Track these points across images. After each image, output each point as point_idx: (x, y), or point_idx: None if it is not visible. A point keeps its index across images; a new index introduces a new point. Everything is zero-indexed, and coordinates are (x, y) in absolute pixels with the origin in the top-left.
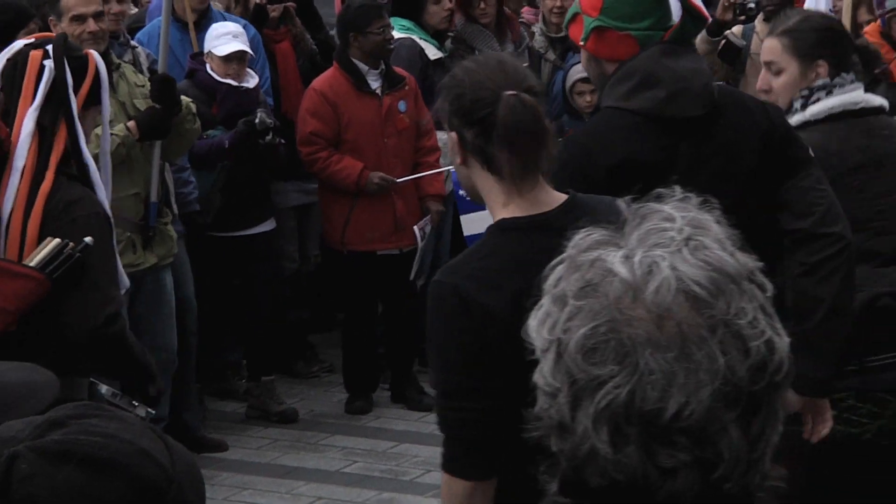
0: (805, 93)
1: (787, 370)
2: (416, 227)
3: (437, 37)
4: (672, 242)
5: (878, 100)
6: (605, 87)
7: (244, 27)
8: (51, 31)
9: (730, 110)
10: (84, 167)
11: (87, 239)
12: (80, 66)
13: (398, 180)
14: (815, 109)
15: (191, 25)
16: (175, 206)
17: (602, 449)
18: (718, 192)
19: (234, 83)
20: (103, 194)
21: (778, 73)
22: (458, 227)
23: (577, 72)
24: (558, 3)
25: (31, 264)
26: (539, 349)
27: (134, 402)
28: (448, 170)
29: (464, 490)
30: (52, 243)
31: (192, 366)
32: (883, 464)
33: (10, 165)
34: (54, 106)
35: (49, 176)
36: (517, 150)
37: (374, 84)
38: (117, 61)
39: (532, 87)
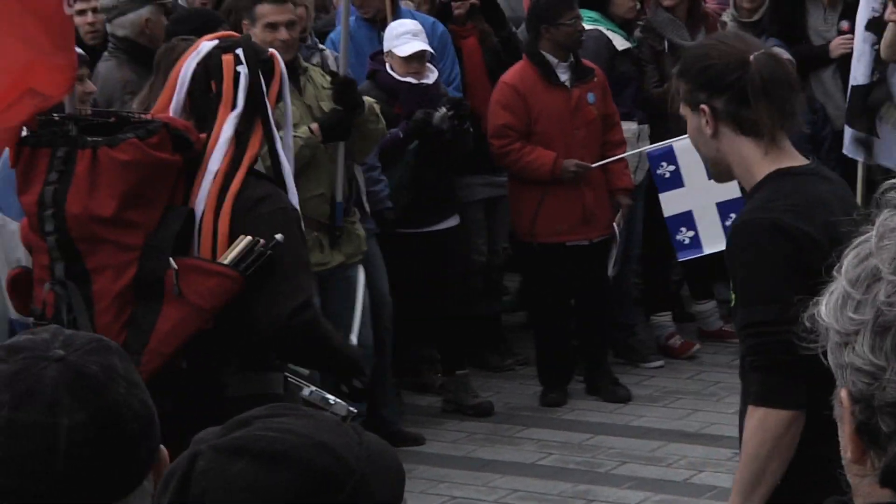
0: None
1: None
2: (614, 223)
3: (625, 27)
4: None
5: None
6: None
7: (433, 24)
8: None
9: None
10: (279, 166)
11: (278, 236)
12: (268, 68)
13: (592, 166)
14: None
15: (389, 17)
16: (367, 205)
17: None
18: None
19: (414, 81)
20: (293, 191)
21: None
22: (648, 215)
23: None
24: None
25: (226, 262)
26: (840, 334)
27: (331, 401)
28: (641, 152)
29: (781, 421)
30: (245, 241)
31: (388, 361)
32: None
33: (205, 168)
34: (250, 111)
35: (239, 176)
36: (777, 102)
37: (564, 76)
38: (304, 65)
39: (770, 50)
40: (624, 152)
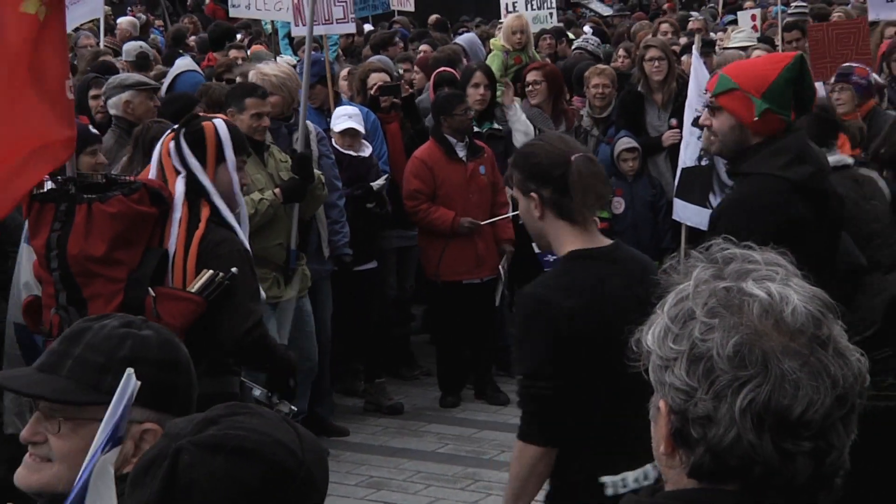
0: None
1: (867, 382)
2: (500, 266)
3: (482, 116)
4: (776, 278)
5: (847, 159)
6: (740, 154)
7: (367, 112)
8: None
9: (834, 187)
10: (223, 218)
11: (234, 269)
12: (199, 138)
13: (482, 223)
14: None
15: (332, 106)
16: (327, 250)
17: (747, 437)
18: (831, 248)
19: (352, 153)
20: (242, 235)
21: None
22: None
23: (623, 144)
24: (601, 91)
25: (193, 290)
26: (663, 358)
27: (276, 400)
28: (511, 215)
29: (535, 453)
30: (207, 274)
31: (326, 371)
32: None
33: (170, 218)
34: (192, 175)
35: (201, 225)
36: (592, 195)
37: (461, 153)
38: (268, 144)
39: (587, 152)
40: (508, 212)
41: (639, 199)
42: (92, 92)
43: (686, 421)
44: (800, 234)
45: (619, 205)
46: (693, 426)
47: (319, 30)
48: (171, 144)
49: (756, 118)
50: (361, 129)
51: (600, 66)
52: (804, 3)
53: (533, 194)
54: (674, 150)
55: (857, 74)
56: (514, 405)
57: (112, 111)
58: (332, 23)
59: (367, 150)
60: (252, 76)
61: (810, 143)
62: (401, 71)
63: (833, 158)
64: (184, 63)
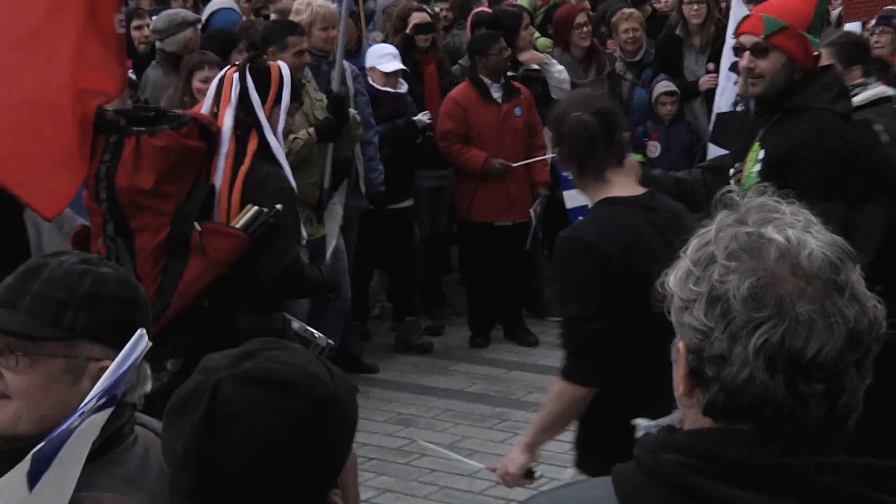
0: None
1: (884, 329)
2: (531, 209)
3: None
4: (797, 225)
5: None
6: (785, 91)
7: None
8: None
9: None
10: (271, 153)
11: (278, 206)
12: (264, 75)
13: (514, 165)
14: (860, 98)
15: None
16: (363, 187)
17: (759, 376)
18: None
19: (392, 90)
20: (289, 172)
21: None
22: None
23: (661, 87)
24: (630, 35)
25: (237, 226)
26: (683, 300)
27: (315, 334)
28: (552, 157)
29: (577, 393)
30: (252, 210)
31: (349, 308)
32: None
33: (218, 152)
34: (245, 108)
35: (247, 161)
36: (601, 144)
37: (496, 94)
38: (304, 82)
39: (601, 109)
40: (544, 153)
41: (675, 144)
42: (135, 23)
43: (702, 360)
44: (854, 166)
45: (654, 148)
46: (708, 365)
47: None
48: (235, 76)
49: (816, 52)
50: (405, 68)
51: (626, 10)
52: None
53: (558, 152)
54: (710, 94)
55: None
56: (543, 346)
57: (170, 48)
58: None
59: (404, 87)
60: (298, 8)
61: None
62: (437, 10)
63: (874, 91)
64: (220, 1)
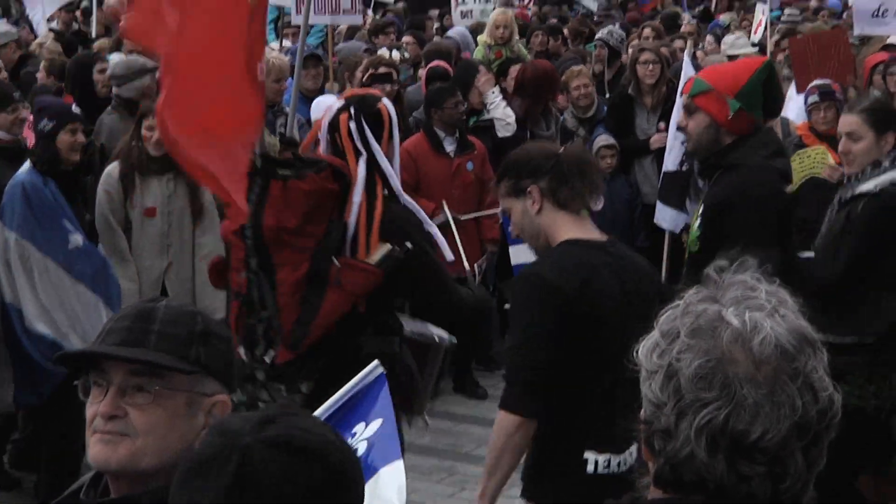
0: (875, 160)
1: (839, 417)
2: (475, 264)
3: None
4: (765, 308)
5: None
6: (714, 151)
7: None
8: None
9: None
10: (398, 196)
11: (408, 244)
12: (376, 117)
13: (462, 217)
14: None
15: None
16: None
17: (699, 454)
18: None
19: None
20: (415, 206)
21: (857, 140)
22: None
23: (601, 141)
24: (582, 92)
25: (372, 262)
26: (647, 370)
27: (435, 336)
28: (497, 212)
29: (514, 423)
30: (385, 247)
31: None
32: (882, 431)
33: (352, 198)
34: (369, 155)
35: (379, 204)
36: (587, 180)
37: (449, 147)
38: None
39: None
40: (496, 209)
41: (617, 197)
42: (98, 66)
43: (652, 432)
44: (787, 220)
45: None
46: (656, 438)
47: (325, 19)
48: (352, 125)
49: (730, 116)
50: None
51: (576, 67)
52: (796, 11)
53: (530, 189)
54: (661, 153)
55: (836, 91)
56: (493, 400)
57: (126, 94)
58: (338, 13)
59: None
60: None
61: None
62: (406, 55)
63: None
64: None
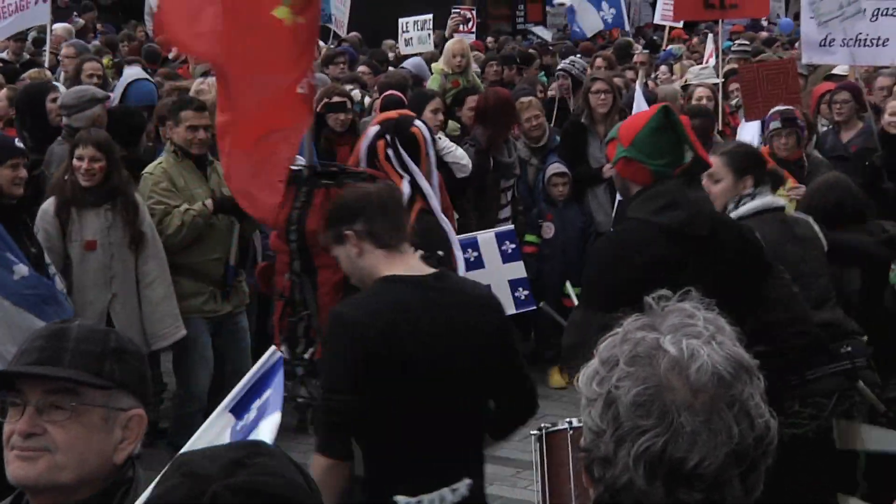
0: (735, 199)
1: (775, 443)
2: None
3: None
4: (702, 335)
5: (780, 200)
6: (629, 200)
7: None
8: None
9: (722, 231)
10: (433, 210)
11: (440, 252)
12: (412, 142)
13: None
14: (745, 209)
15: None
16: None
17: (638, 482)
18: (716, 294)
19: (292, 167)
20: (447, 223)
21: (717, 181)
22: None
23: (552, 169)
24: (533, 123)
25: None
26: (587, 398)
27: None
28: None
29: (326, 466)
30: (418, 253)
31: None
32: (820, 456)
33: None
34: (410, 176)
35: (413, 215)
36: (393, 217)
37: None
38: (210, 159)
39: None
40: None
41: (569, 225)
42: (51, 95)
43: (591, 460)
44: (668, 275)
45: (549, 229)
46: (595, 465)
47: None
48: (390, 151)
49: (612, 165)
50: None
51: (525, 98)
52: (746, 42)
53: (347, 233)
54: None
55: (798, 118)
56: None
57: (77, 123)
58: None
59: (301, 161)
60: (201, 88)
61: (687, 190)
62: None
63: (762, 201)
64: (133, 72)
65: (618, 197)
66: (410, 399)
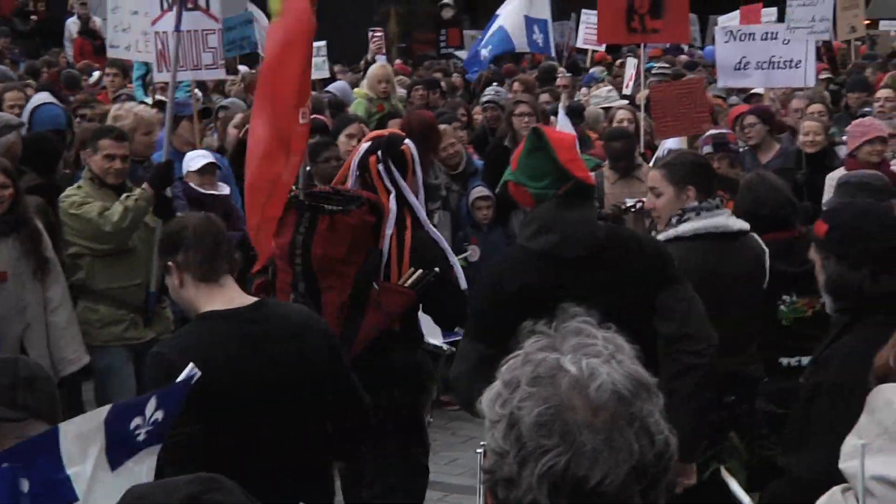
0: (679, 213)
1: (675, 459)
2: None
3: None
4: (602, 354)
5: (738, 223)
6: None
7: (220, 157)
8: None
9: (614, 248)
10: (423, 225)
11: (437, 269)
12: (401, 158)
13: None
14: (684, 228)
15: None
16: None
17: (542, 501)
18: (611, 310)
19: (214, 192)
20: (440, 237)
21: (658, 195)
22: None
23: (476, 192)
24: (450, 151)
25: (406, 285)
26: (490, 420)
27: (443, 347)
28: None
29: None
30: (417, 273)
31: None
32: (698, 494)
33: (384, 230)
34: (397, 192)
35: (408, 234)
36: (207, 248)
37: None
38: (129, 185)
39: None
40: None
41: (494, 248)
42: None
43: (495, 482)
44: (545, 300)
45: (474, 252)
46: (499, 487)
47: (187, 75)
48: (380, 167)
49: (498, 188)
50: (215, 162)
51: (441, 126)
52: (667, 65)
53: (169, 264)
54: None
55: (731, 141)
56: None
57: None
58: (200, 68)
59: (225, 189)
60: (118, 114)
61: (563, 212)
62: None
63: (704, 223)
64: (41, 97)
65: None
66: (236, 430)
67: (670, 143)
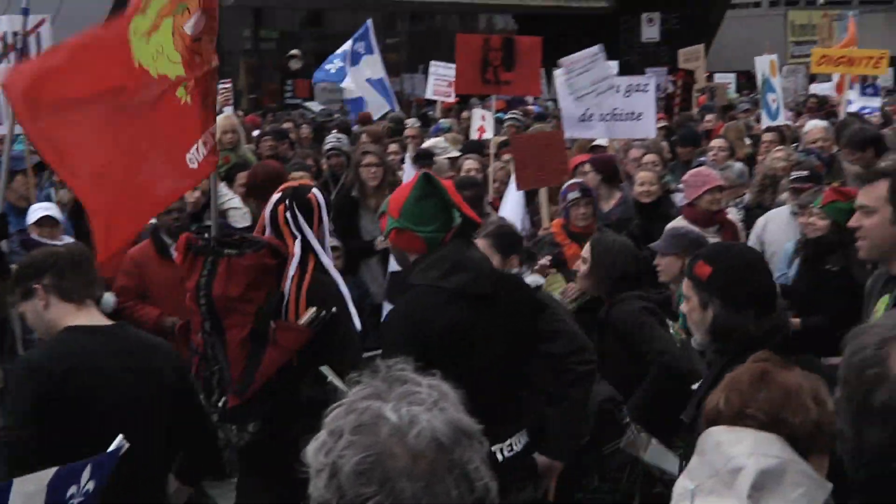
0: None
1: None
2: None
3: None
4: (425, 402)
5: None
6: (409, 268)
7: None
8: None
9: (503, 285)
10: (325, 268)
11: (333, 308)
12: (307, 206)
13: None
14: None
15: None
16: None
17: None
18: (506, 345)
19: (51, 242)
20: (341, 281)
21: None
22: None
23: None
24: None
25: (302, 323)
26: (314, 469)
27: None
28: None
29: None
30: (312, 311)
31: None
32: None
33: (287, 272)
34: (302, 237)
35: (307, 276)
36: (80, 269)
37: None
38: None
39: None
40: None
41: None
42: None
43: None
44: (464, 337)
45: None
46: None
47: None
48: (288, 215)
49: (384, 237)
50: (59, 216)
51: (297, 172)
52: (518, 113)
53: (35, 287)
54: (387, 253)
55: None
56: None
57: None
58: None
59: (66, 238)
60: None
61: (468, 251)
62: None
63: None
64: None
65: (390, 267)
66: (93, 435)
67: (512, 198)
